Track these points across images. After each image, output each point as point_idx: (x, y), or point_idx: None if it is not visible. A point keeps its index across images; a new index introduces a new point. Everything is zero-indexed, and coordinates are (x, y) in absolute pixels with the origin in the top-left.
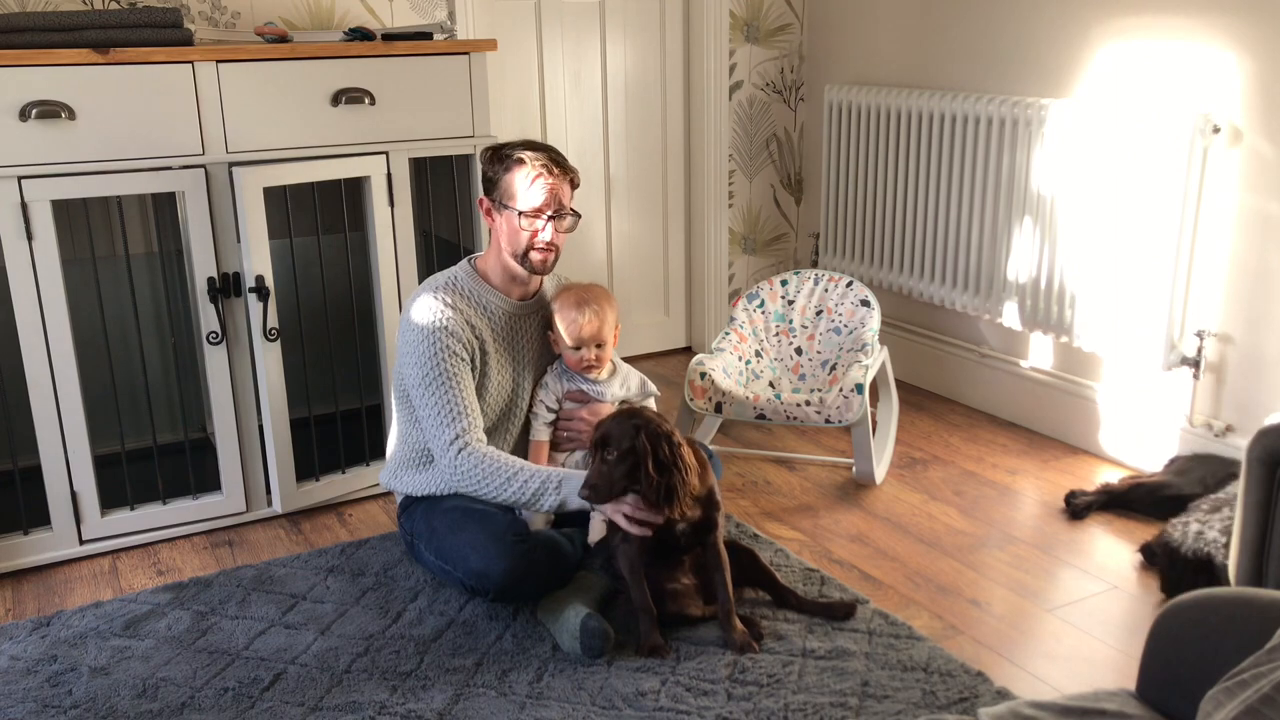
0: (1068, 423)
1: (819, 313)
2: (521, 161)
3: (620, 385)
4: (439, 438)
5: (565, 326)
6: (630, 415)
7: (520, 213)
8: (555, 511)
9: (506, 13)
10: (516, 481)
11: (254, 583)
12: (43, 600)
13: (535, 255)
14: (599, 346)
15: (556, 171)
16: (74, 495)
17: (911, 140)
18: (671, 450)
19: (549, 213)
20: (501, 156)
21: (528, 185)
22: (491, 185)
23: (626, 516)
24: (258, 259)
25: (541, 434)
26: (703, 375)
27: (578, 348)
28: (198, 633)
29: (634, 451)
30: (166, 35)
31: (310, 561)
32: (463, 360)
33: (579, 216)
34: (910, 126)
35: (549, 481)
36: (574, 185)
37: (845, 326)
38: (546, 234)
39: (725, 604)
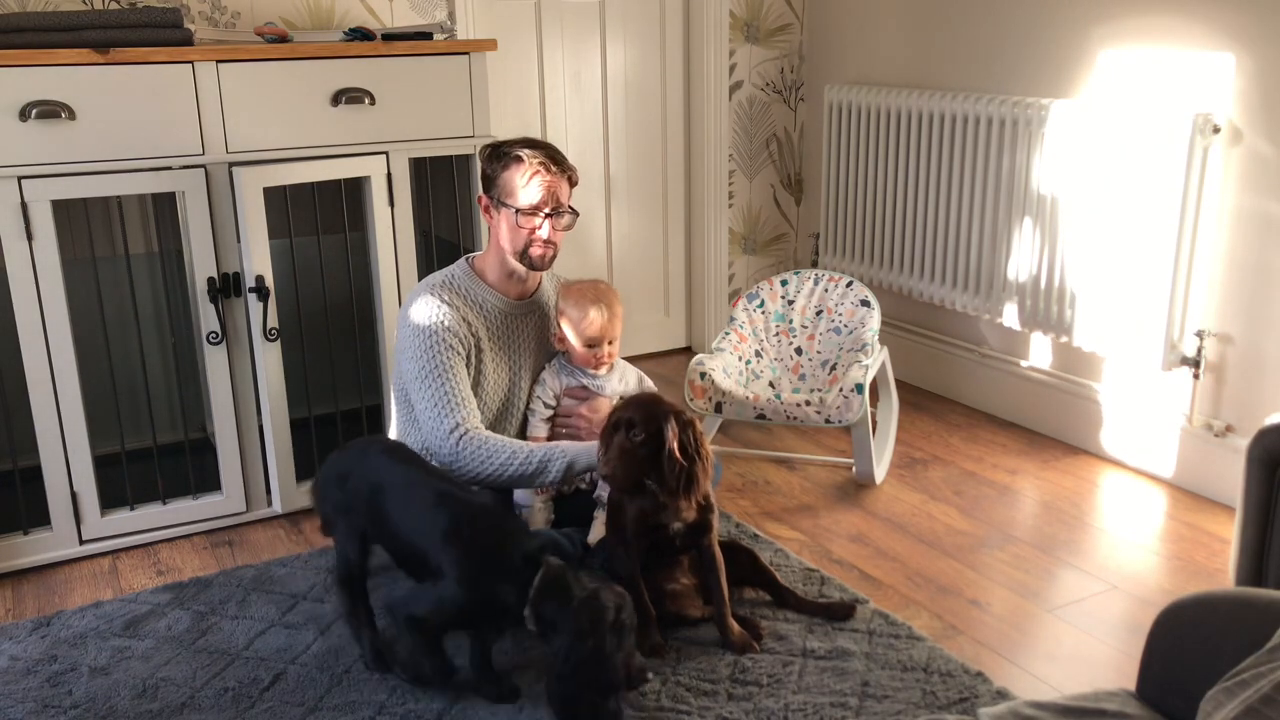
0: (1067, 423)
1: (819, 313)
2: (519, 159)
3: (619, 381)
4: (437, 429)
5: (579, 324)
6: (654, 400)
7: (518, 210)
8: (561, 486)
9: (506, 13)
10: (521, 454)
11: (254, 583)
12: (43, 600)
13: (534, 251)
14: (610, 343)
15: (554, 169)
16: (74, 495)
17: (911, 140)
18: (695, 438)
19: (547, 210)
20: (500, 154)
21: (525, 182)
22: (490, 183)
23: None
24: (258, 259)
25: (539, 430)
26: (703, 375)
27: (591, 345)
28: (198, 633)
29: (660, 435)
30: (166, 35)
31: (310, 561)
32: (459, 354)
33: (577, 214)
34: (910, 126)
35: (553, 449)
36: (572, 183)
37: (845, 326)
38: (544, 231)
39: (720, 607)
